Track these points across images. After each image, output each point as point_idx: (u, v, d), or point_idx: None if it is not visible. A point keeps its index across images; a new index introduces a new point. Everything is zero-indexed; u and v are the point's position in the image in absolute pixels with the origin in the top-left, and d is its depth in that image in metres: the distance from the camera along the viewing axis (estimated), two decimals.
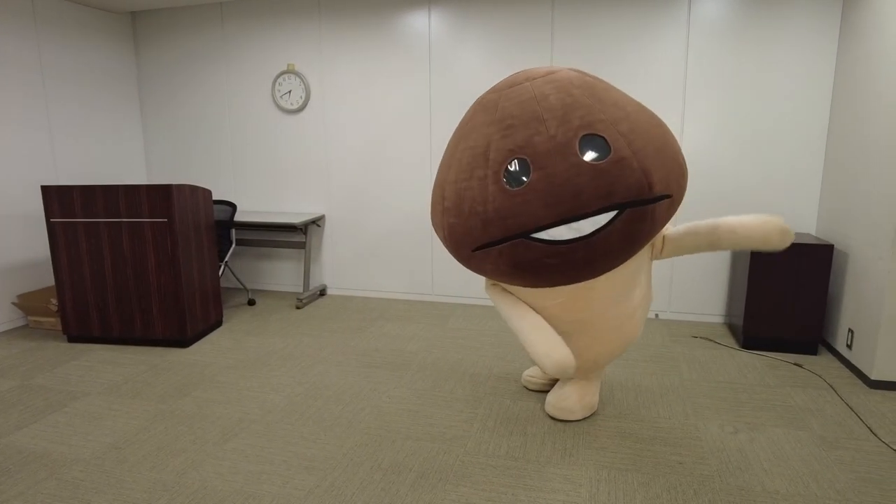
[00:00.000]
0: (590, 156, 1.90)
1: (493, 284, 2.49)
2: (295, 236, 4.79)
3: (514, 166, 1.97)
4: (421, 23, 4.21)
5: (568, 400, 2.62)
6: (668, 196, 2.00)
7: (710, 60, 3.74)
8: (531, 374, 2.94)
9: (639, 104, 2.10)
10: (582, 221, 1.92)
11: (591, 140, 1.91)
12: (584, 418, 2.64)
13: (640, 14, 3.79)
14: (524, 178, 1.94)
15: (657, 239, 2.37)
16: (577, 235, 1.93)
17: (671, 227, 2.36)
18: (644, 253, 2.32)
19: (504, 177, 1.98)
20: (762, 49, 3.64)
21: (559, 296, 2.26)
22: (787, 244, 2.11)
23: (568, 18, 3.92)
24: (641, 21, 3.80)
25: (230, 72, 4.73)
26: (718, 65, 3.74)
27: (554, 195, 1.91)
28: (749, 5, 3.62)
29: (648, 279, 2.51)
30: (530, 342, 2.22)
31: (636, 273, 2.32)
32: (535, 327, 2.25)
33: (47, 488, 2.14)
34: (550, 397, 2.68)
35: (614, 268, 2.10)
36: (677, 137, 3.87)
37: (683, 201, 3.93)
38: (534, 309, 2.37)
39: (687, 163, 3.91)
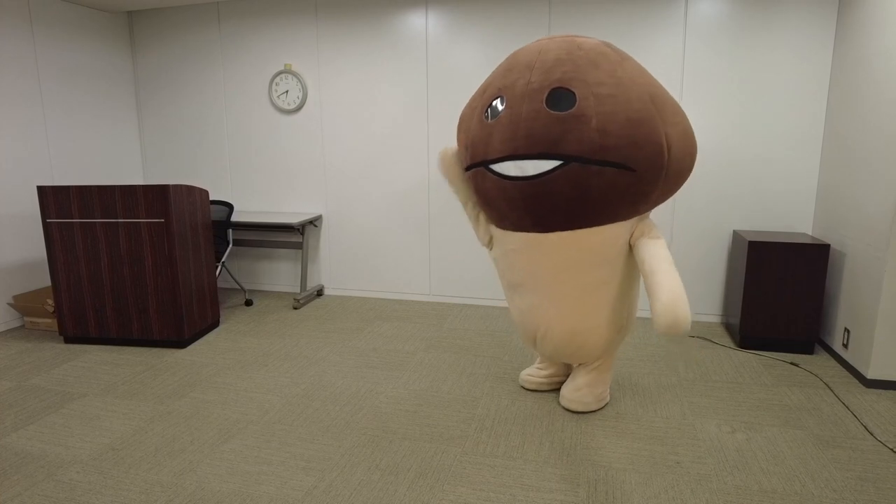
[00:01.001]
0: (556, 106, 2.05)
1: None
2: (292, 236, 4.78)
3: (496, 102, 2.20)
4: (418, 22, 4.21)
5: (580, 391, 2.67)
6: (628, 168, 2.05)
7: (706, 60, 3.75)
8: (529, 374, 2.95)
9: (641, 82, 2.12)
10: (526, 162, 2.07)
11: (562, 93, 2.06)
12: (595, 410, 2.69)
13: (636, 14, 3.80)
14: (498, 114, 2.17)
15: (633, 232, 2.33)
16: (520, 174, 2.09)
17: (654, 233, 2.30)
18: (619, 235, 2.28)
19: (487, 110, 2.22)
20: (759, 49, 3.65)
21: (518, 241, 2.38)
22: (672, 335, 2.17)
23: (565, 18, 3.92)
24: (638, 21, 3.81)
25: (227, 72, 4.72)
26: (715, 65, 3.74)
27: (510, 132, 2.10)
28: (745, 6, 3.63)
29: (627, 276, 2.43)
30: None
31: (602, 247, 2.28)
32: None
33: (44, 490, 2.13)
34: (564, 391, 2.73)
35: (563, 224, 2.19)
36: None
37: (683, 200, 3.94)
38: (498, 250, 2.54)
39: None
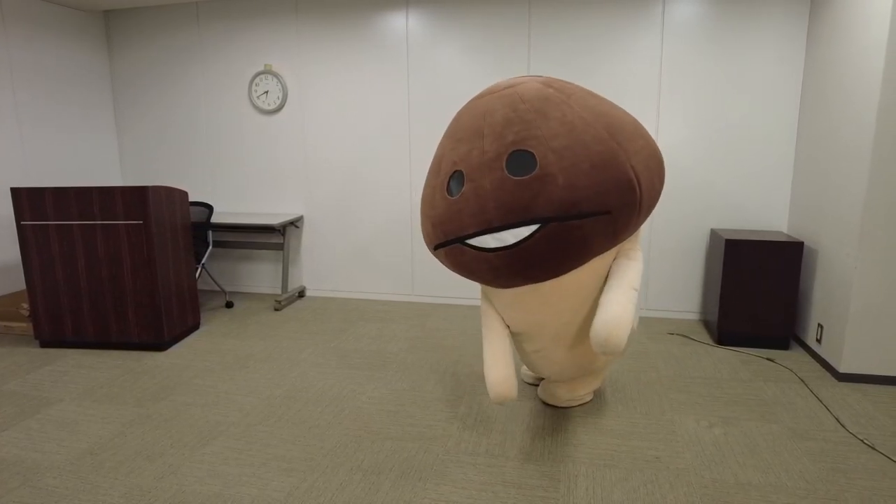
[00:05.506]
0: (517, 171, 1.98)
1: (483, 299, 2.57)
2: (273, 238, 4.76)
3: (455, 177, 2.12)
4: (399, 23, 4.22)
5: (562, 387, 2.73)
6: (605, 213, 1.98)
7: (684, 61, 3.81)
8: (527, 370, 3.01)
9: (593, 118, 2.04)
10: (504, 232, 2.00)
11: (520, 155, 1.99)
12: (571, 406, 2.75)
13: (615, 16, 3.85)
14: (461, 189, 2.08)
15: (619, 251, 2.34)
16: (500, 245, 2.02)
17: (632, 253, 2.30)
18: (606, 263, 2.28)
19: (448, 186, 2.13)
20: (734, 50, 3.72)
21: (513, 295, 2.33)
22: (605, 354, 2.14)
23: (544, 18, 3.96)
24: (617, 22, 3.85)
25: (206, 72, 4.68)
26: (692, 66, 3.81)
27: (478, 206, 2.02)
28: (721, 9, 3.69)
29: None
30: (486, 367, 2.37)
31: (592, 279, 2.27)
32: (492, 355, 2.38)
33: (20, 496, 2.09)
34: (542, 384, 2.81)
35: (553, 276, 2.13)
36: (652, 137, 3.92)
37: (661, 200, 3.99)
38: (497, 303, 2.44)
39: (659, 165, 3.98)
